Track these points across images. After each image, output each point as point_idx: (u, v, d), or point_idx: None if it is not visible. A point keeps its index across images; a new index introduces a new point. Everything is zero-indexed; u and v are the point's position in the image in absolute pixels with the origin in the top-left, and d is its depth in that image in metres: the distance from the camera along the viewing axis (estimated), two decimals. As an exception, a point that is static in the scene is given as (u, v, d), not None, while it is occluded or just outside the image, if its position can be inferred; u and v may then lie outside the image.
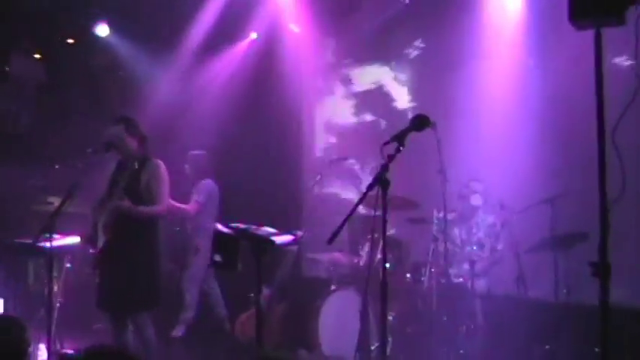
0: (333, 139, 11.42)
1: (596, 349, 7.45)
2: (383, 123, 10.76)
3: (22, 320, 3.53)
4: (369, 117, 11.00)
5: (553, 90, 9.12)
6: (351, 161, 10.60)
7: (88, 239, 7.44)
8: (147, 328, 7.27)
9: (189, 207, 9.61)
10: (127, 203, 7.07)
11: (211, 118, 11.06)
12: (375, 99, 10.95)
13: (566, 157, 8.91)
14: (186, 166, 9.97)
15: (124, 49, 11.21)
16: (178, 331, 9.71)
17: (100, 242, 7.24)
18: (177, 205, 9.12)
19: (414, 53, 10.53)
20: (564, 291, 8.02)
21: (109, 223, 7.20)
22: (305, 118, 11.53)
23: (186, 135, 10.81)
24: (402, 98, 10.61)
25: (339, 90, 11.41)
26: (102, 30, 11.14)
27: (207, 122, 11.07)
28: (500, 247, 8.60)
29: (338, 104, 11.41)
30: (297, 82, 11.09)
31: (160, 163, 7.38)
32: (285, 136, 11.20)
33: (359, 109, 11.15)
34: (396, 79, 10.72)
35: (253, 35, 11.43)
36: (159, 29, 10.85)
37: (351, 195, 10.89)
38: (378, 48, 10.83)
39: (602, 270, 3.77)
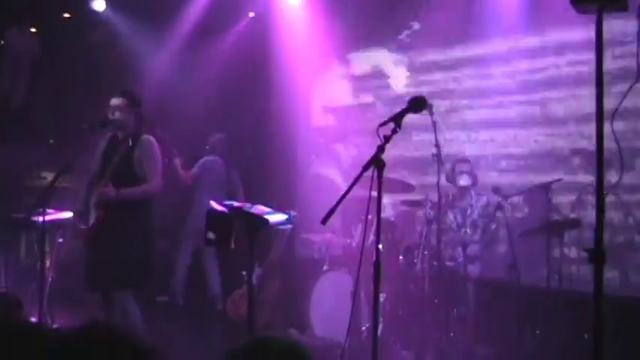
0: (330, 121, 11.38)
1: (586, 336, 7.54)
2: (379, 105, 10.73)
3: (17, 296, 3.51)
4: (366, 99, 10.96)
5: (549, 72, 9.10)
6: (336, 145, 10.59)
7: (79, 215, 7.44)
8: (130, 306, 7.26)
9: (186, 176, 9.87)
10: (111, 191, 7.05)
11: (207, 97, 11.04)
12: (373, 81, 10.91)
13: (562, 142, 8.89)
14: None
15: (122, 24, 11.16)
16: None
17: (92, 219, 7.23)
18: (179, 170, 9.36)
19: (412, 33, 10.46)
20: (556, 277, 8.04)
21: (101, 201, 7.19)
22: (301, 98, 11.48)
23: (182, 113, 10.79)
24: (400, 81, 10.55)
25: (337, 71, 11.36)
26: (99, 5, 11.09)
27: (202, 100, 11.05)
28: (493, 226, 8.60)
29: (335, 85, 11.36)
30: (295, 62, 11.04)
31: (152, 139, 7.37)
32: (281, 116, 11.16)
33: (356, 91, 11.11)
34: (394, 61, 10.66)
35: (251, 14, 11.38)
36: (157, 4, 10.79)
37: (335, 176, 10.93)
38: (378, 30, 10.76)
39: (597, 256, 3.76)
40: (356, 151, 10.72)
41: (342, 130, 10.96)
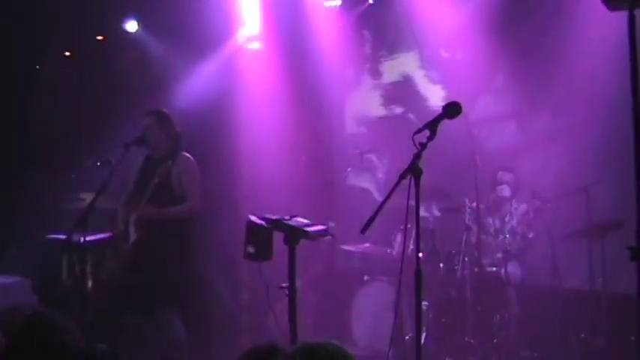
0: (363, 130, 11.37)
1: (632, 338, 7.46)
2: (412, 116, 10.69)
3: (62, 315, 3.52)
4: (398, 109, 10.93)
5: (583, 76, 9.03)
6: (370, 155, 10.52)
7: (120, 236, 7.49)
8: (176, 324, 7.29)
9: None
10: (152, 210, 7.09)
11: (242, 113, 11.06)
12: (405, 90, 10.88)
13: (601, 143, 8.81)
14: None
15: (154, 45, 11.21)
16: None
17: (132, 238, 7.28)
18: None
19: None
20: (599, 279, 7.97)
21: (140, 220, 7.23)
22: (335, 110, 11.49)
23: (218, 131, 10.84)
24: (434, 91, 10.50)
25: (368, 81, 11.36)
26: (131, 26, 11.16)
27: (238, 117, 11.07)
28: (531, 235, 8.54)
29: (367, 96, 11.35)
30: (329, 73, 11.06)
31: (189, 157, 7.40)
32: (316, 128, 11.17)
33: (388, 101, 11.09)
34: (426, 69, 10.62)
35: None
36: (190, 24, 10.84)
37: (370, 186, 10.91)
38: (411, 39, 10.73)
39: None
40: (389, 160, 10.68)
41: (375, 140, 10.92)
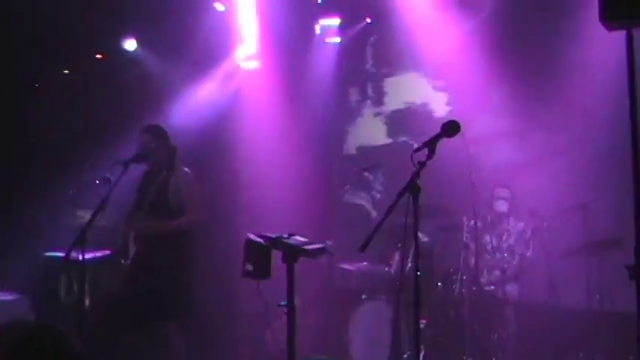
0: (363, 153, 11.38)
1: (630, 357, 7.46)
2: (414, 142, 10.70)
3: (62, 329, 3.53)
4: (401, 137, 10.95)
5: (582, 94, 9.06)
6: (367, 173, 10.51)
7: (120, 251, 7.50)
8: (175, 339, 7.29)
9: None
10: (152, 223, 7.12)
11: (240, 130, 11.08)
12: (407, 116, 10.89)
13: (598, 161, 8.83)
14: None
15: (154, 62, 11.24)
16: None
17: (131, 253, 7.29)
18: None
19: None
20: (597, 297, 7.97)
21: (140, 235, 7.26)
22: (334, 128, 11.52)
23: (216, 148, 10.86)
24: (440, 107, 10.51)
25: (371, 109, 11.39)
26: (130, 44, 11.19)
27: (237, 134, 11.09)
28: (529, 254, 8.56)
29: (370, 124, 11.37)
30: (329, 91, 11.11)
31: (188, 171, 7.43)
32: (314, 147, 11.17)
33: (391, 130, 11.11)
34: (432, 87, 10.63)
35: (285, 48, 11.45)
36: (188, 42, 10.88)
37: (367, 204, 10.92)
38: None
39: (638, 273, 3.72)
40: (386, 178, 10.69)
41: (373, 160, 10.92)
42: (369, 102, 11.33)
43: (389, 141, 11.04)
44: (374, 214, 10.86)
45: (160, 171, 7.37)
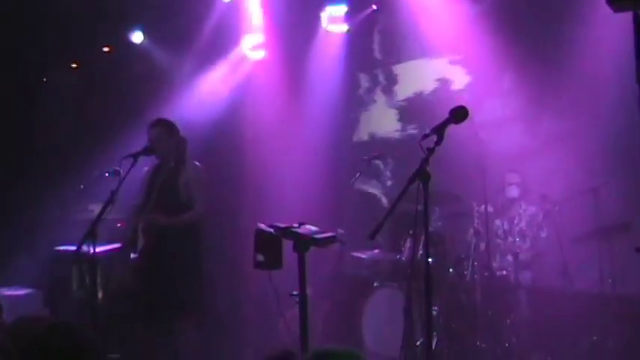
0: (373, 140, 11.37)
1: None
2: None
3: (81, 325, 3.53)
4: (412, 127, 10.93)
5: (591, 78, 9.02)
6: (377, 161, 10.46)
7: (129, 244, 7.52)
8: (188, 332, 7.30)
9: None
10: (161, 218, 7.14)
11: (249, 121, 11.09)
12: (418, 105, 10.87)
13: (609, 145, 8.79)
14: None
15: (160, 55, 11.24)
16: None
17: (140, 247, 7.31)
18: None
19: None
20: (609, 281, 7.95)
21: (149, 228, 7.27)
22: (344, 116, 11.50)
23: (225, 139, 10.87)
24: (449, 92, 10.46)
25: (382, 99, 11.37)
26: (137, 37, 11.18)
27: (246, 126, 11.10)
28: (543, 235, 8.53)
29: (382, 114, 11.36)
30: (338, 79, 11.10)
31: (198, 165, 7.45)
32: (324, 135, 11.16)
33: (403, 119, 11.09)
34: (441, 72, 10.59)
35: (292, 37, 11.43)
36: (194, 34, 10.88)
37: (377, 191, 10.93)
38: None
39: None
40: (396, 166, 10.68)
41: (383, 147, 10.90)
42: (379, 90, 11.30)
43: (399, 128, 11.01)
44: (385, 201, 10.86)
45: (170, 164, 7.38)
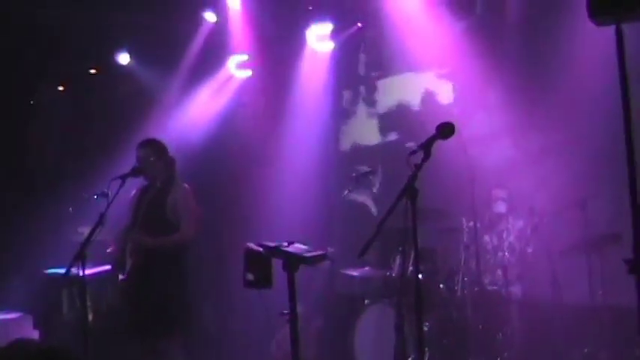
0: (359, 154, 11.40)
1: (637, 352, 7.45)
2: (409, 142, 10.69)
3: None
4: (393, 136, 10.96)
5: (577, 91, 9.06)
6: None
7: (117, 265, 7.51)
8: (175, 353, 7.28)
9: None
10: (147, 239, 7.14)
11: (237, 139, 11.10)
12: (400, 116, 10.90)
13: (596, 157, 8.83)
14: None
15: (147, 75, 11.26)
16: None
17: (128, 268, 7.31)
18: None
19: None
20: (599, 293, 7.97)
21: (136, 249, 7.27)
22: (330, 133, 11.53)
23: (215, 157, 10.88)
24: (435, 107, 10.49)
25: (364, 110, 11.41)
26: (123, 58, 11.21)
27: (234, 145, 11.11)
28: (530, 250, 8.54)
29: (363, 124, 11.39)
30: (323, 96, 11.13)
31: (186, 186, 7.45)
32: (311, 152, 11.17)
33: (384, 129, 11.12)
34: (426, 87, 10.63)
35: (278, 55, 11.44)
36: (179, 54, 10.91)
37: (367, 202, 10.97)
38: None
39: (638, 267, 3.71)
40: (384, 178, 10.70)
41: (371, 161, 10.91)
42: (364, 104, 11.34)
43: (385, 140, 11.06)
44: (374, 210, 10.88)
45: (158, 185, 7.38)
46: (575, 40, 8.66)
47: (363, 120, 11.36)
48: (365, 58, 11.29)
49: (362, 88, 11.37)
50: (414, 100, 10.65)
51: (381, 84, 11.18)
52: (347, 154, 11.47)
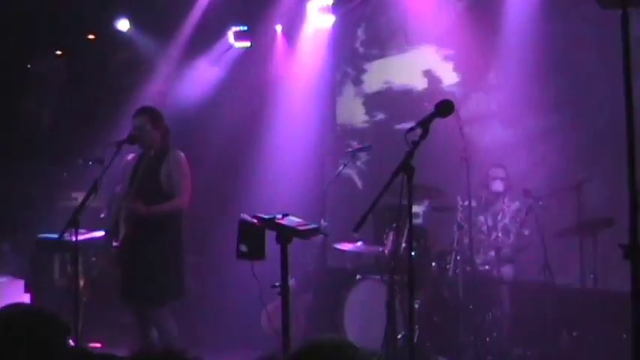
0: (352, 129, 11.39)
1: (624, 336, 7.47)
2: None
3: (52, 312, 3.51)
4: (381, 116, 10.95)
5: (578, 75, 9.05)
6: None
7: (111, 232, 7.50)
8: (167, 321, 7.30)
9: None
10: (141, 207, 7.12)
11: (231, 112, 11.07)
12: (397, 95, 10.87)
13: (593, 140, 8.83)
14: None
15: (146, 43, 11.21)
16: None
17: (121, 235, 7.29)
18: None
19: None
20: (591, 277, 7.98)
21: (130, 216, 7.25)
22: (325, 108, 11.50)
23: (207, 129, 10.86)
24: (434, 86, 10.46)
25: (351, 89, 11.39)
26: (123, 25, 11.14)
27: (226, 116, 11.07)
28: (526, 232, 8.54)
29: (360, 100, 11.36)
30: (321, 71, 11.10)
31: (181, 154, 7.43)
32: (305, 125, 11.15)
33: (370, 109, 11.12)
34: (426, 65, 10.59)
35: (278, 28, 11.38)
36: (179, 23, 10.86)
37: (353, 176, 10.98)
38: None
39: (632, 252, 3.70)
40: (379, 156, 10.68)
41: (365, 138, 10.89)
42: (361, 80, 11.29)
43: (381, 117, 11.05)
44: (360, 184, 10.89)
45: (156, 154, 7.36)
46: (576, 22, 8.65)
47: (361, 100, 11.32)
48: (364, 34, 11.24)
49: (363, 66, 11.31)
50: (414, 81, 10.60)
51: (376, 63, 11.13)
52: (344, 129, 11.43)
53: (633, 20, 3.83)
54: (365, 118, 11.16)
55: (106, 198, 8.05)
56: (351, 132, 11.25)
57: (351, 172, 10.81)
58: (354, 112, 11.28)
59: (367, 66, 11.18)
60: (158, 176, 7.25)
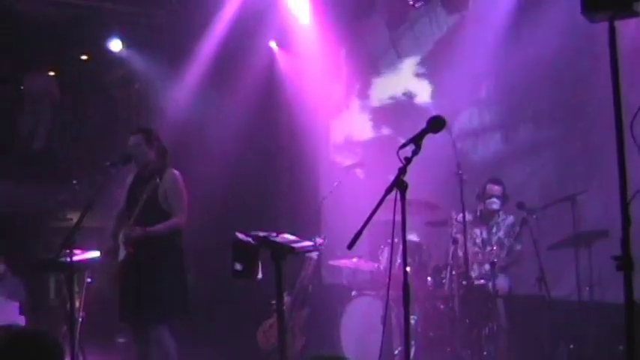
0: (350, 147, 11.41)
1: (621, 347, 7.47)
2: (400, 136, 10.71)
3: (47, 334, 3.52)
4: (386, 130, 10.97)
5: (570, 88, 9.08)
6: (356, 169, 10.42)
7: (109, 252, 7.48)
8: (166, 340, 7.28)
9: None
10: (138, 231, 7.11)
11: (227, 129, 11.08)
12: (394, 110, 10.90)
13: (586, 153, 8.85)
14: None
15: (138, 62, 11.23)
16: None
17: (121, 255, 7.27)
18: None
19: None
20: (587, 289, 7.98)
21: (128, 239, 7.23)
22: (322, 126, 11.52)
23: (203, 146, 10.87)
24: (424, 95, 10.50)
25: (356, 102, 11.42)
26: (115, 45, 11.17)
27: (223, 133, 11.09)
28: (518, 247, 8.55)
29: (355, 117, 11.39)
30: (316, 89, 11.13)
31: (177, 173, 7.42)
32: (302, 143, 11.19)
33: (376, 122, 11.13)
34: (417, 75, 10.63)
35: (273, 45, 11.41)
36: (172, 42, 10.89)
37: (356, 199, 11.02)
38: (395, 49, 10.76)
39: (626, 264, 3.72)
40: (375, 174, 10.70)
41: (362, 156, 10.92)
42: (354, 96, 11.34)
43: (374, 132, 11.08)
44: (365, 208, 10.89)
45: (150, 174, 7.34)
46: (568, 35, 8.67)
47: (355, 115, 11.36)
48: (355, 53, 11.30)
49: (355, 81, 11.35)
50: (407, 95, 10.63)
51: (376, 82, 11.18)
52: (338, 145, 11.46)
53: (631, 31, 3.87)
54: (369, 132, 11.19)
55: (102, 219, 8.05)
56: (351, 146, 11.27)
57: (347, 187, 10.83)
58: (357, 126, 11.32)
59: (360, 80, 11.23)
60: (156, 198, 7.24)
